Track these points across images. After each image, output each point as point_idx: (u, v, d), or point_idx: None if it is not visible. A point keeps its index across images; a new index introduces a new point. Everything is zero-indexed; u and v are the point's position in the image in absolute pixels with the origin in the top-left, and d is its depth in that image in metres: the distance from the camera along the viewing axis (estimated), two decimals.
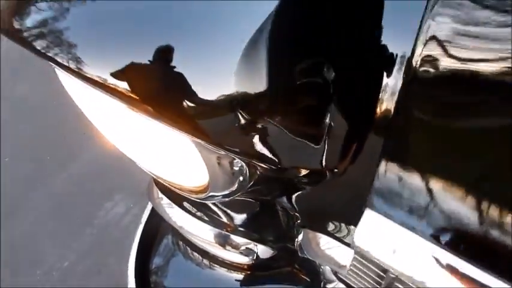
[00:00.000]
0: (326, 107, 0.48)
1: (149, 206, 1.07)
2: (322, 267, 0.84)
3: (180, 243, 0.99)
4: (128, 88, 0.43)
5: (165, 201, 0.84)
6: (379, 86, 0.48)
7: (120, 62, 0.43)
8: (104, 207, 2.06)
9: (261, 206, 0.74)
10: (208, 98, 0.44)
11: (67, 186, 2.17)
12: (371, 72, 0.49)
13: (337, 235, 0.61)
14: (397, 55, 0.48)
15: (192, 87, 0.43)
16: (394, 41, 0.48)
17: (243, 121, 0.45)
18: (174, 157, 0.58)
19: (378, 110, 0.49)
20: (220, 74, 0.44)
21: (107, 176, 2.12)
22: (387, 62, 0.48)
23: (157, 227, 1.05)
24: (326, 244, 0.63)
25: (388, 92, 0.48)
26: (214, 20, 0.44)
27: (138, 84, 0.44)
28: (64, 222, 2.03)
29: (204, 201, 0.74)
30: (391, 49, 0.48)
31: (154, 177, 0.69)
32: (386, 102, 0.49)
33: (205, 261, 0.95)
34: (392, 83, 0.48)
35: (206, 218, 0.80)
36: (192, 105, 0.44)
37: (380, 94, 0.49)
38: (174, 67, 0.43)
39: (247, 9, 0.45)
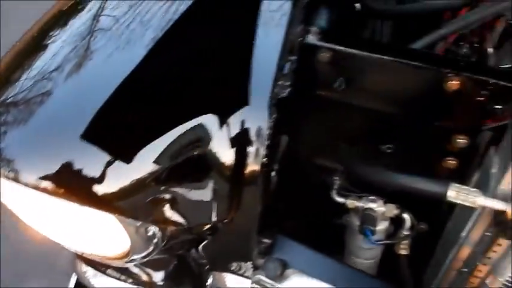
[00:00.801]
0: (208, 174, 0.65)
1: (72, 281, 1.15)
2: None
3: None
4: (59, 186, 0.58)
5: (90, 272, 0.95)
6: (245, 153, 0.67)
7: (51, 169, 0.58)
8: None
9: (175, 260, 0.89)
10: (122, 184, 0.61)
11: None
12: (239, 145, 0.67)
13: (238, 272, 0.78)
14: (256, 130, 0.67)
15: (111, 181, 0.60)
16: (253, 120, 0.67)
17: (149, 197, 0.63)
18: (98, 233, 0.72)
19: (247, 171, 0.67)
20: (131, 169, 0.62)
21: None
22: (248, 136, 0.66)
23: None
24: (230, 281, 0.79)
25: (252, 157, 0.67)
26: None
27: (65, 182, 0.60)
28: None
29: (126, 265, 0.87)
30: (251, 126, 0.67)
31: (79, 253, 0.81)
32: (252, 165, 0.67)
33: None
34: (253, 150, 0.66)
35: (130, 280, 0.92)
36: (112, 191, 0.61)
37: (246, 159, 0.67)
38: (82, 170, 0.60)
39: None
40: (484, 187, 0.71)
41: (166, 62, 0.70)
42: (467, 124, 0.76)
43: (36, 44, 0.74)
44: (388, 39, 1.08)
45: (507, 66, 1.00)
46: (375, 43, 0.92)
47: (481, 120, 0.75)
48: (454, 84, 0.71)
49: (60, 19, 0.78)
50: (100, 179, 0.60)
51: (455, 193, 0.68)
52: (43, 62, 0.68)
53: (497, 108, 0.73)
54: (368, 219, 0.84)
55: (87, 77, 0.67)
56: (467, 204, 0.67)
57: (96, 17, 0.75)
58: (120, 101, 0.64)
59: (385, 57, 0.74)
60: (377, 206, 0.85)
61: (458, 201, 0.68)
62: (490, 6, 0.86)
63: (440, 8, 0.89)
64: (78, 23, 0.74)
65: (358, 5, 1.03)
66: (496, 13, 0.89)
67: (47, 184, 0.59)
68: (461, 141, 0.78)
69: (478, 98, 0.72)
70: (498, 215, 0.68)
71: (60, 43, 0.71)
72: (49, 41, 0.73)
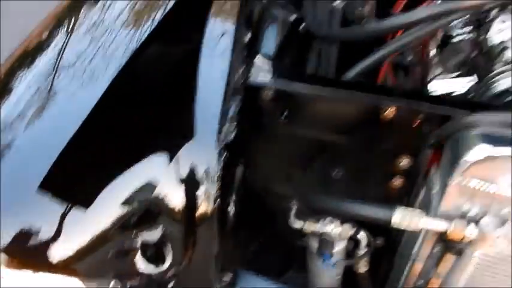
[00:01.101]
0: (158, 218, 0.67)
1: None
2: None
3: None
4: (13, 257, 0.60)
5: None
6: (195, 195, 0.68)
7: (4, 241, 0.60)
8: None
9: None
10: (76, 245, 0.62)
11: None
12: (188, 187, 0.68)
13: None
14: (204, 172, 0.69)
15: (65, 242, 0.61)
16: (202, 161, 0.69)
17: (104, 253, 0.65)
18: None
19: (198, 213, 0.68)
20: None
21: None
22: (196, 179, 0.68)
23: None
24: None
25: (202, 198, 0.68)
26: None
27: (20, 252, 0.61)
28: None
29: None
30: (200, 166, 0.68)
31: None
32: (203, 206, 0.68)
33: None
34: (203, 191, 0.68)
35: None
36: (67, 254, 0.63)
37: (196, 201, 0.68)
38: (36, 236, 0.61)
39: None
40: (427, 207, 0.74)
41: (122, 101, 0.73)
42: (407, 146, 0.80)
43: (2, 88, 0.76)
44: (334, 61, 1.11)
45: (453, 76, 1.05)
46: (315, 77, 0.95)
47: (420, 140, 0.79)
48: (389, 112, 0.74)
49: (26, 58, 0.80)
50: (54, 241, 0.61)
51: (399, 218, 0.71)
52: (6, 109, 0.71)
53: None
54: (325, 243, 0.87)
55: (47, 124, 0.70)
56: (410, 229, 0.70)
57: (60, 53, 0.77)
58: (71, 154, 0.66)
59: (323, 93, 0.77)
60: (333, 228, 0.88)
61: (403, 227, 0.71)
62: (425, 26, 0.90)
63: (380, 32, 0.93)
64: (44, 60, 0.77)
65: (301, 28, 1.06)
66: (430, 33, 0.94)
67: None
68: (405, 161, 0.82)
69: (414, 123, 0.75)
70: (442, 233, 0.72)
71: (25, 85, 0.74)
72: (14, 84, 0.76)
